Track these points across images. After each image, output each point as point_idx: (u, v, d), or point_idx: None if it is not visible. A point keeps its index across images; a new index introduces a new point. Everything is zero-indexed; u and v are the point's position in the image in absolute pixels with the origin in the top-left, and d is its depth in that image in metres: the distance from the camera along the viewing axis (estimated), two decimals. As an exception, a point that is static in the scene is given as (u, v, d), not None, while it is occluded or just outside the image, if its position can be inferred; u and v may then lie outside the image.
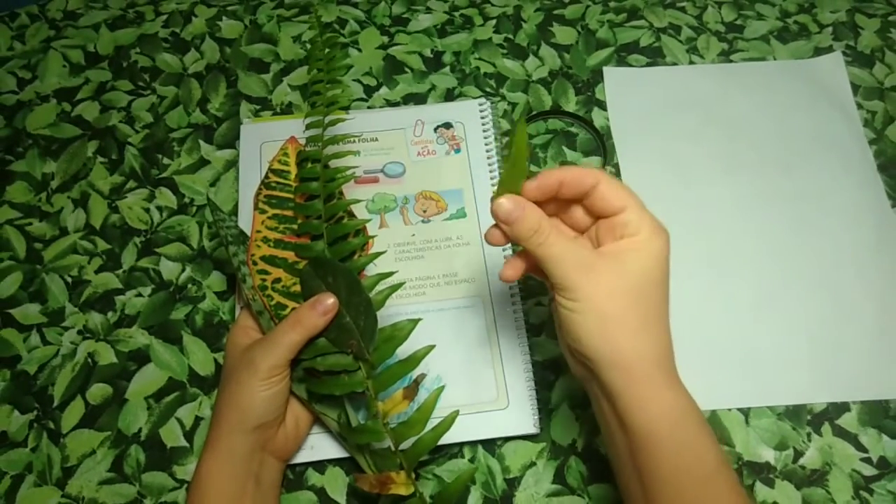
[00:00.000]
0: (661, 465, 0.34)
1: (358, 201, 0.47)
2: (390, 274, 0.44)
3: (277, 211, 0.48)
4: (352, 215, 0.48)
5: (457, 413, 0.41)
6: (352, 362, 0.43)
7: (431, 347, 0.42)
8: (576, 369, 0.39)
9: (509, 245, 0.53)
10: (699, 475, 0.34)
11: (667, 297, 0.36)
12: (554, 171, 0.37)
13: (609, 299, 0.34)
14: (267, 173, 0.49)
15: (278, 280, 0.46)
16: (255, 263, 0.46)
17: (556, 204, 0.38)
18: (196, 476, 0.42)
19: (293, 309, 0.44)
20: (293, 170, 0.50)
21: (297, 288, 0.45)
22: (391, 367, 0.42)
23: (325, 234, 0.46)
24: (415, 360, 0.42)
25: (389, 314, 0.50)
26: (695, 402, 0.36)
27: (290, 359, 0.42)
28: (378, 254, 0.45)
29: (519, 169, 0.36)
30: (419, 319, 0.42)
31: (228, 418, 0.42)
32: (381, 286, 0.43)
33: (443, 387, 0.42)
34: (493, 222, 0.37)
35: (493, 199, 0.36)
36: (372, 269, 0.46)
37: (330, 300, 0.42)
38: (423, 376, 0.43)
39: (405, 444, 0.42)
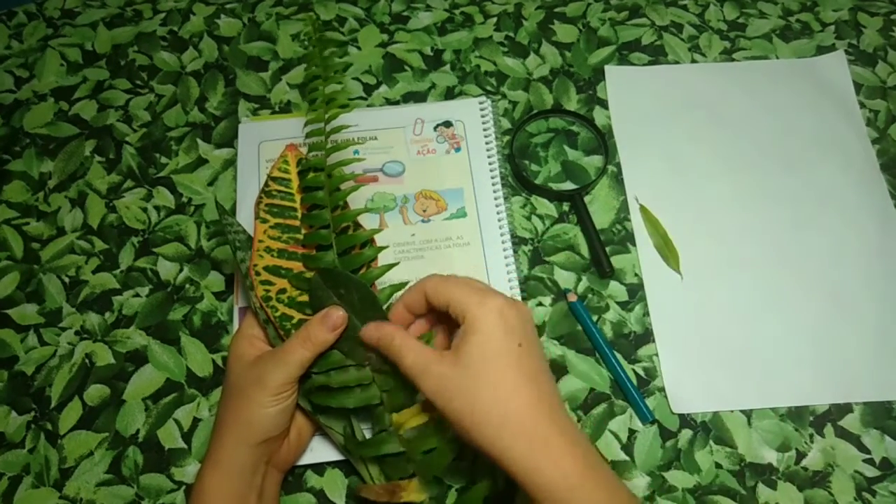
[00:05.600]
0: None
1: (367, 210, 0.46)
2: (403, 285, 0.43)
3: (280, 220, 0.47)
4: (358, 226, 0.47)
5: None
6: (366, 376, 0.42)
7: None
8: None
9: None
10: None
11: (517, 364, 0.37)
12: (398, 305, 0.42)
13: (447, 405, 0.37)
14: (267, 181, 0.48)
15: (283, 291, 0.45)
16: (257, 274, 0.44)
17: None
18: (197, 488, 0.41)
19: (299, 320, 0.44)
20: (294, 178, 0.49)
21: (304, 298, 0.45)
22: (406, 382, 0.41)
23: (333, 244, 0.45)
24: None
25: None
26: (597, 457, 0.37)
27: (300, 375, 0.41)
28: (391, 265, 0.44)
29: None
30: (433, 333, 0.42)
31: (233, 432, 0.41)
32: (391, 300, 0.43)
33: None
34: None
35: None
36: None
37: (339, 314, 0.41)
38: None
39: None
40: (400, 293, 0.43)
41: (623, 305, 0.53)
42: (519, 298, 0.51)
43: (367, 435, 0.45)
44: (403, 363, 0.39)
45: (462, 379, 0.37)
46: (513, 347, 0.37)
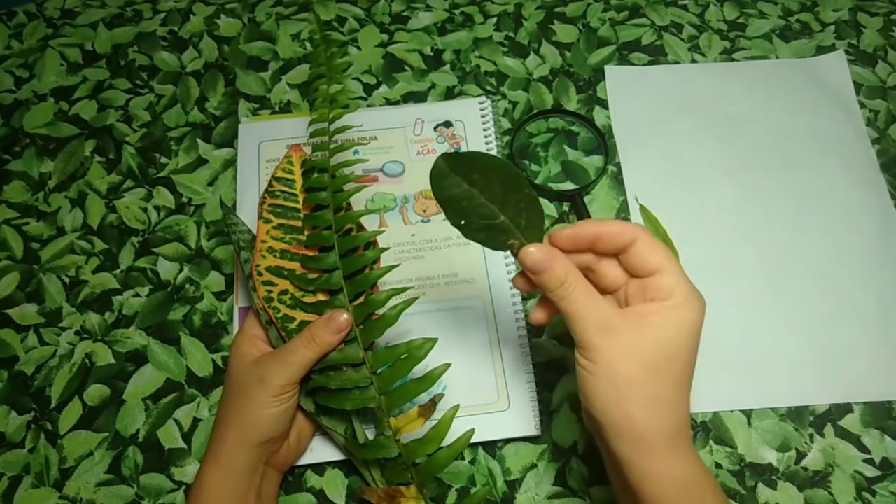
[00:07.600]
0: None
1: (369, 212, 0.46)
2: (404, 289, 0.43)
3: (283, 220, 0.47)
4: (361, 227, 0.47)
5: (472, 432, 0.41)
6: (364, 378, 0.42)
7: (447, 366, 0.41)
8: (591, 428, 0.38)
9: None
10: None
11: (691, 369, 0.35)
12: (592, 224, 0.35)
13: (625, 365, 0.33)
14: (271, 181, 0.48)
15: (285, 292, 0.44)
16: (259, 274, 0.44)
17: (591, 257, 0.37)
18: (197, 487, 0.41)
19: (301, 322, 0.44)
20: (298, 178, 0.49)
21: (306, 299, 0.45)
22: (405, 385, 0.41)
23: (336, 245, 0.45)
24: (430, 379, 0.41)
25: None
26: (709, 472, 0.35)
27: (303, 375, 0.41)
28: (392, 266, 0.44)
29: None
30: (435, 339, 0.41)
31: (234, 432, 0.41)
32: (393, 301, 0.42)
33: (458, 406, 0.41)
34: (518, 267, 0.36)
35: (521, 247, 0.35)
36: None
37: (343, 317, 0.41)
38: (440, 396, 0.42)
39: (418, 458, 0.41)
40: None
41: (623, 305, 0.53)
42: (518, 299, 0.51)
43: (371, 436, 0.45)
44: (572, 306, 0.34)
45: (639, 346, 0.33)
46: (693, 357, 0.35)
